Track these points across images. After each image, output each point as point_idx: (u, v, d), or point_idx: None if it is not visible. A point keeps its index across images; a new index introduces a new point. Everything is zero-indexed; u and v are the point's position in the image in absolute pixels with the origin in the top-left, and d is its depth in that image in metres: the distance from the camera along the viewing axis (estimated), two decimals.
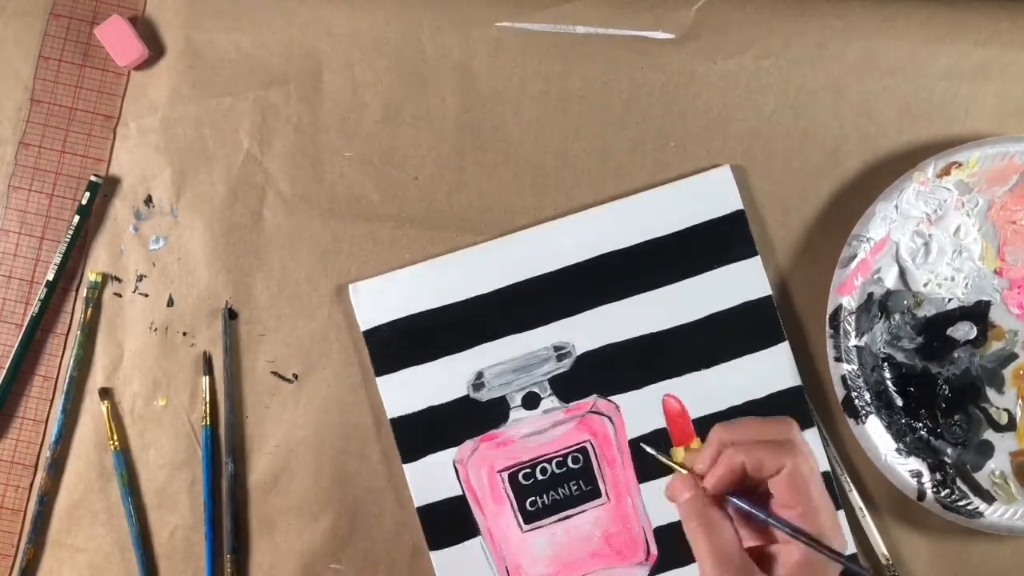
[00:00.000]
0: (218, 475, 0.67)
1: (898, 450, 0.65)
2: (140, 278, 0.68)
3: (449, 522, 0.66)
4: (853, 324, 0.66)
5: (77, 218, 0.67)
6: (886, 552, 0.66)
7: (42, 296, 0.67)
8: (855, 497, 0.66)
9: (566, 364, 0.67)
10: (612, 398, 0.67)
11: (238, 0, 0.68)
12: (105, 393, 0.67)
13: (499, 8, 0.68)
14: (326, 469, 0.67)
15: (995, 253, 0.66)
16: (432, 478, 0.66)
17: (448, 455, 0.66)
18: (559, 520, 0.66)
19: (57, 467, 0.67)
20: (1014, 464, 0.66)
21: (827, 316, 0.66)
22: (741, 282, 0.66)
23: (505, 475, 0.67)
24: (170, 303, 0.68)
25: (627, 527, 0.67)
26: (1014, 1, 0.67)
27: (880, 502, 0.67)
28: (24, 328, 0.67)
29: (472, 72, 0.68)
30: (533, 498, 0.66)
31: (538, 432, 0.67)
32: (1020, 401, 0.66)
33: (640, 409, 0.66)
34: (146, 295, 0.68)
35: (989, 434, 0.66)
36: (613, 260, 0.67)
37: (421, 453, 0.66)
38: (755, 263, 0.66)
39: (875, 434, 0.65)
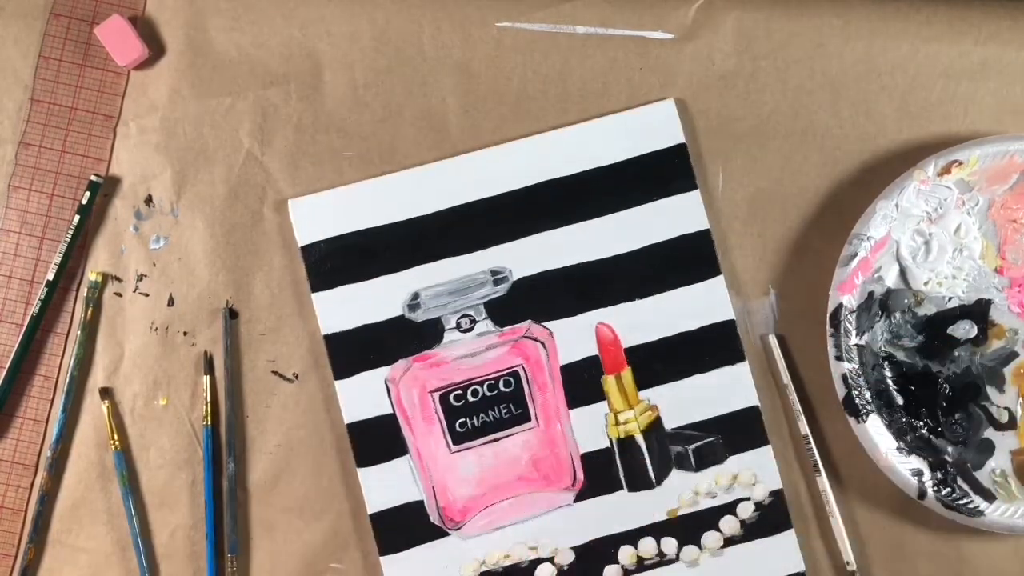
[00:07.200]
0: (219, 475, 0.67)
1: (899, 449, 0.65)
2: (140, 278, 0.68)
3: (378, 440, 0.66)
4: (854, 323, 0.66)
5: (77, 218, 0.67)
6: (852, 559, 0.65)
7: (42, 296, 0.67)
8: (830, 499, 0.66)
9: (502, 289, 0.67)
10: (546, 324, 0.67)
11: (238, 0, 0.68)
12: (105, 393, 0.67)
13: (499, 8, 0.68)
14: (327, 469, 0.67)
15: (995, 251, 0.66)
16: (363, 395, 0.66)
17: (381, 373, 0.66)
18: (488, 442, 0.66)
19: (57, 467, 0.67)
20: (1015, 463, 0.66)
21: (827, 315, 0.66)
22: (679, 215, 0.67)
23: (436, 396, 0.66)
24: (170, 303, 0.68)
25: (555, 452, 0.67)
26: (1014, 0, 0.67)
27: (880, 501, 0.67)
28: (24, 328, 0.67)
29: (472, 72, 0.68)
30: (463, 420, 0.66)
31: (471, 355, 0.67)
32: (1021, 399, 0.66)
33: (573, 336, 0.66)
34: (146, 295, 0.68)
35: (990, 433, 0.66)
36: (553, 188, 0.67)
37: (354, 370, 0.66)
38: (694, 196, 0.67)
39: (876, 433, 0.65)
